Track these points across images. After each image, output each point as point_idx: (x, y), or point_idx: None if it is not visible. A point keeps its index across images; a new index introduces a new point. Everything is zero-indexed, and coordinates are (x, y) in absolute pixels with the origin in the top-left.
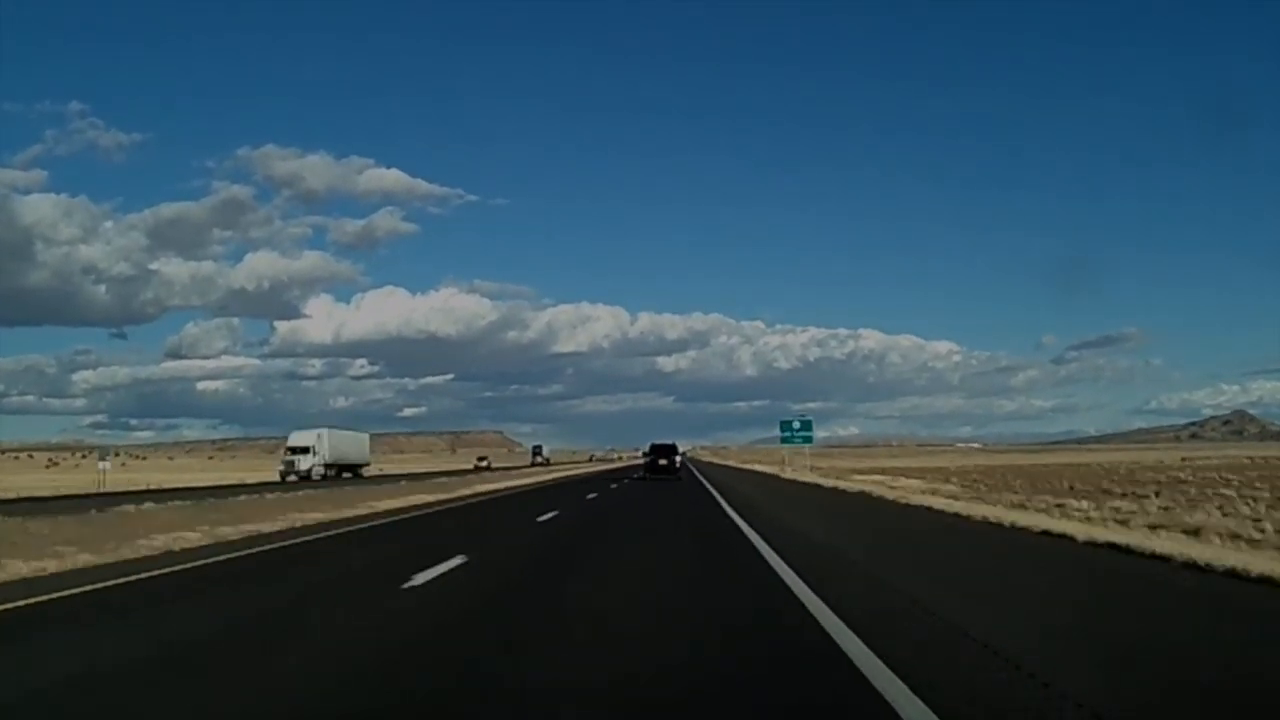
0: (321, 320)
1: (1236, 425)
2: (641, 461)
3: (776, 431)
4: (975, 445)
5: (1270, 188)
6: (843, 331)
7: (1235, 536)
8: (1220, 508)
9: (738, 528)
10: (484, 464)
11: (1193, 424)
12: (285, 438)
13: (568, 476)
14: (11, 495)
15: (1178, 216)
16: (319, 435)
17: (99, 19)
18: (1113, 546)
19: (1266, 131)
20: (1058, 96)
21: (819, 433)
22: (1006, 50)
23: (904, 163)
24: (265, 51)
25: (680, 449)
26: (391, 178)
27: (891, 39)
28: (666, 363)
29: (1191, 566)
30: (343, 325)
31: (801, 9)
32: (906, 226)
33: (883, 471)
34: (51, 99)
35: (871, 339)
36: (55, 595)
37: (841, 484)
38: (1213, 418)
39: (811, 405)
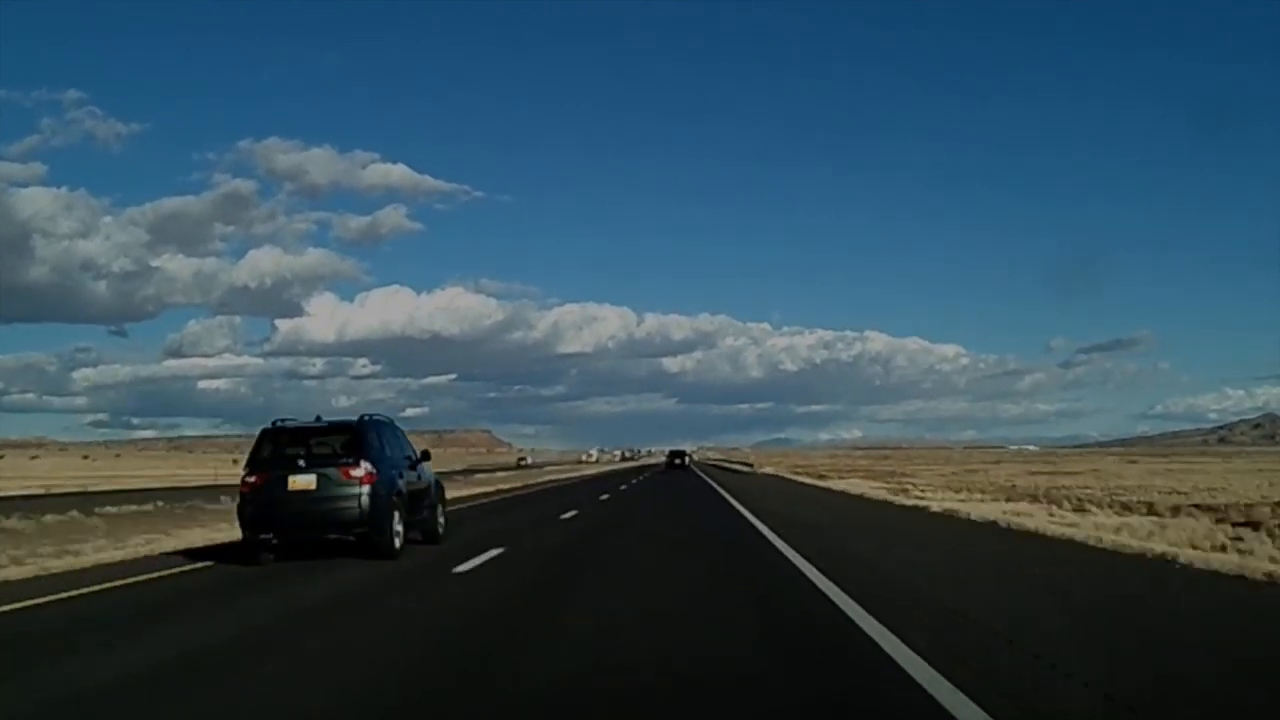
0: (324, 319)
1: (1268, 429)
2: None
3: (779, 434)
4: (1031, 448)
5: None
6: (849, 334)
7: None
8: None
9: None
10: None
11: (1220, 428)
12: None
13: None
14: None
15: (1192, 218)
16: None
17: (96, 3)
18: None
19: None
20: (1068, 97)
21: (820, 436)
22: (1013, 50)
23: (914, 165)
24: (268, 42)
25: (689, 451)
26: (397, 173)
27: (898, 40)
28: (671, 364)
29: None
30: (345, 324)
31: (810, 10)
32: (916, 229)
33: (1015, 497)
34: (48, 86)
35: (878, 341)
36: None
37: None
38: (1242, 421)
39: (816, 408)
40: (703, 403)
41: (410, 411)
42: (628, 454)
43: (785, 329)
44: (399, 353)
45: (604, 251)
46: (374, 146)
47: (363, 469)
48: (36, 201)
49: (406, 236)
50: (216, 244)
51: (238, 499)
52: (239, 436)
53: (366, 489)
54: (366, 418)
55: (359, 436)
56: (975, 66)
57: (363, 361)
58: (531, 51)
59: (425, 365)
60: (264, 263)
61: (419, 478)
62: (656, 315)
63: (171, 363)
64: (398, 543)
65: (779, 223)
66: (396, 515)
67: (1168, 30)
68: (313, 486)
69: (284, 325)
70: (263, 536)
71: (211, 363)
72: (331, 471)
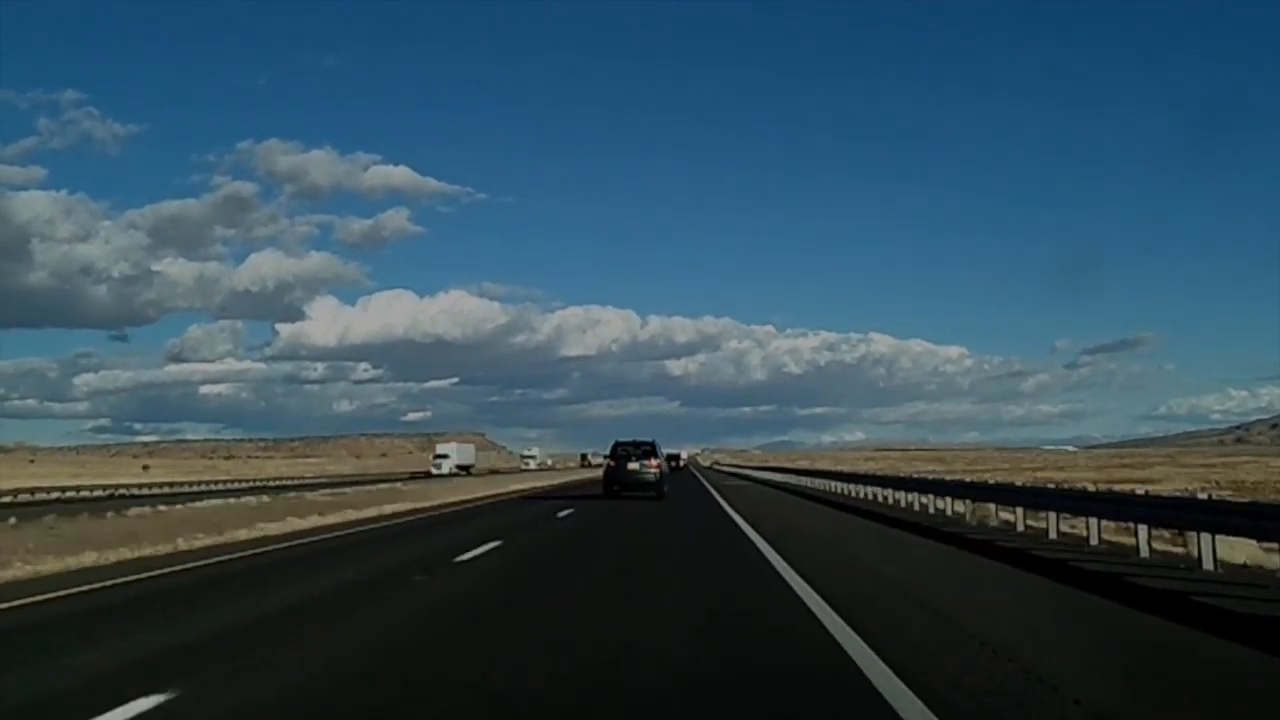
0: (325, 323)
1: None
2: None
3: (782, 437)
4: (1068, 449)
5: None
6: (853, 336)
7: None
8: None
9: None
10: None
11: (1237, 428)
12: (284, 441)
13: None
14: None
15: (1196, 219)
16: None
17: (93, 2)
18: None
19: None
20: (1072, 98)
21: (823, 438)
22: (1017, 51)
23: (919, 166)
24: (267, 42)
25: (683, 453)
26: (399, 175)
27: (902, 42)
28: (675, 366)
29: None
30: (347, 328)
31: (815, 13)
32: (920, 230)
33: None
34: (45, 87)
35: (882, 343)
36: None
37: None
38: (1259, 421)
39: (819, 410)
40: (706, 405)
41: (412, 415)
42: (591, 458)
43: (789, 331)
44: (401, 356)
45: (607, 254)
46: (376, 148)
47: (655, 462)
48: (35, 205)
49: (409, 239)
50: (217, 247)
51: (604, 471)
52: (234, 441)
53: (656, 470)
54: (653, 440)
55: (653, 447)
56: (978, 68)
57: (364, 365)
58: (534, 53)
59: (427, 369)
60: (265, 266)
61: (665, 467)
62: (660, 317)
63: (173, 367)
64: (663, 493)
65: (783, 225)
66: (663, 482)
67: (1173, 29)
68: (636, 468)
69: (285, 329)
70: (614, 488)
71: (213, 367)
72: (644, 462)
